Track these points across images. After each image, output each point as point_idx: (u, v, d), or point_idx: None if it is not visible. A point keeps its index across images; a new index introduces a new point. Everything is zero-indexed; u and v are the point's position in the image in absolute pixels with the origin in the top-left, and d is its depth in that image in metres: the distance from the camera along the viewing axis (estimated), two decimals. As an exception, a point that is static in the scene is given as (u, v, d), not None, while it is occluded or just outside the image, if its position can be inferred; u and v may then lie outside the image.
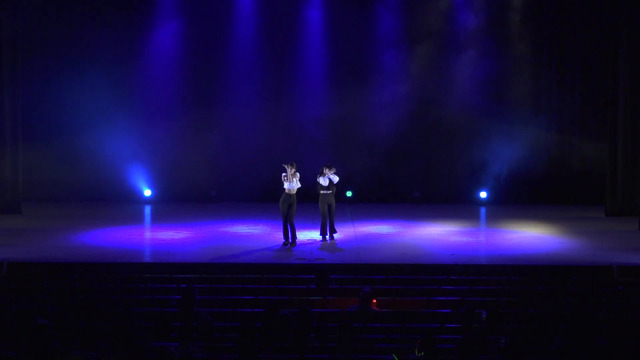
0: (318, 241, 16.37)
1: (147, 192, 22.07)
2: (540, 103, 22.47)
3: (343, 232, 17.48)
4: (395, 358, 8.77)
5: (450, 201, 22.31)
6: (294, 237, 16.02)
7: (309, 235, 16.96)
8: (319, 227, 16.51)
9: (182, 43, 22.32)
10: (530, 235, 17.44)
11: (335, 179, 16.27)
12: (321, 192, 16.25)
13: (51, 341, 9.08)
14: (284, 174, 15.97)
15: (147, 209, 21.16)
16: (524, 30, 22.25)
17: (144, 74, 22.18)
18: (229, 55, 22.36)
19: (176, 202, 21.92)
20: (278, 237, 16.41)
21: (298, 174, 16.02)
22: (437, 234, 17.56)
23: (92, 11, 21.91)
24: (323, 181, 16.12)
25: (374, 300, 11.74)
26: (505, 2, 22.22)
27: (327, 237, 16.41)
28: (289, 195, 15.93)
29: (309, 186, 16.75)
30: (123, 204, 21.48)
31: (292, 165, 15.96)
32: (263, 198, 21.38)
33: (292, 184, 15.93)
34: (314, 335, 10.19)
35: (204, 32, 22.22)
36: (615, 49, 19.87)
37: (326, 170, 16.21)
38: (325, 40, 22.42)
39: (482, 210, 21.50)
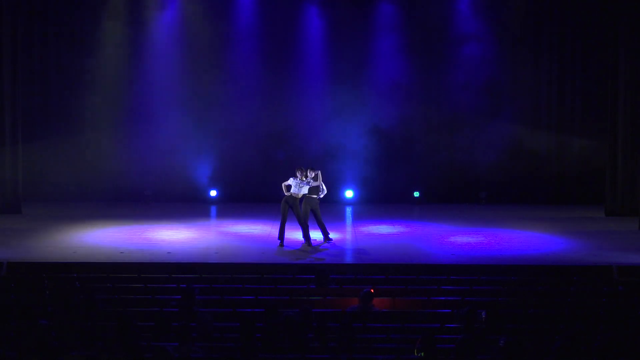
0: (318, 241, 16.33)
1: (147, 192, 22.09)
2: (540, 103, 22.47)
3: (343, 232, 17.48)
4: None
5: (450, 201, 22.32)
6: (307, 237, 15.94)
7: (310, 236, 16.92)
8: (318, 228, 16.46)
9: (183, 43, 22.31)
10: (530, 235, 17.44)
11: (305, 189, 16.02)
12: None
13: (51, 341, 9.09)
14: (293, 181, 15.81)
15: (148, 209, 21.13)
16: (524, 30, 22.24)
17: (144, 74, 22.18)
18: (230, 55, 22.35)
19: (176, 202, 21.90)
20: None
21: (310, 180, 15.84)
22: (437, 234, 17.55)
23: (93, 9, 21.90)
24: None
25: (371, 290, 11.77)
26: (506, 2, 22.21)
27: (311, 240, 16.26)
28: (293, 197, 15.83)
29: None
30: (123, 204, 21.47)
31: (301, 169, 15.85)
32: (263, 198, 21.37)
33: (300, 189, 15.80)
34: (314, 335, 10.20)
35: (205, 30, 22.22)
36: (615, 49, 19.86)
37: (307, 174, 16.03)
38: (325, 41, 22.41)
39: (482, 210, 21.48)
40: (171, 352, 8.66)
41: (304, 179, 15.79)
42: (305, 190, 15.83)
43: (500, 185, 22.36)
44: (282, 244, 15.83)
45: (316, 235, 16.47)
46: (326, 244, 16.12)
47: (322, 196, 16.14)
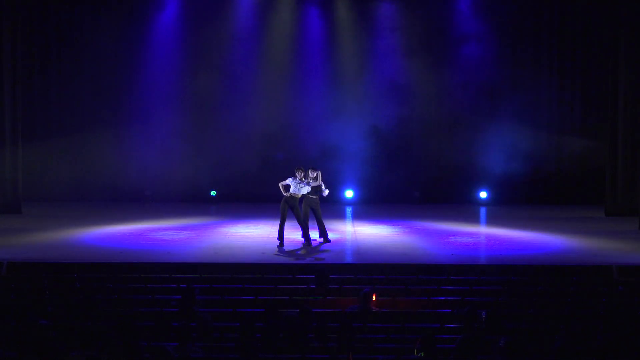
0: (318, 241, 16.31)
1: (147, 192, 22.08)
2: (541, 103, 22.48)
3: (343, 232, 17.48)
4: None
5: (450, 201, 22.32)
6: (307, 236, 15.93)
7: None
8: (317, 228, 16.43)
9: (182, 43, 22.33)
10: (530, 235, 17.43)
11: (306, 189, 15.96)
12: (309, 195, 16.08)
13: (51, 341, 9.08)
14: (292, 181, 15.77)
15: (148, 209, 21.13)
16: (524, 30, 22.25)
17: (144, 73, 22.19)
18: (229, 55, 22.37)
19: (176, 202, 21.90)
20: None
21: (310, 180, 15.80)
22: (437, 234, 17.55)
23: (93, 9, 21.92)
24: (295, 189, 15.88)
25: (374, 296, 11.74)
26: (506, 3, 22.21)
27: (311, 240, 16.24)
28: (293, 198, 15.81)
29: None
30: (123, 204, 21.48)
31: (301, 169, 15.83)
32: (263, 198, 21.37)
33: (300, 189, 15.78)
34: (314, 335, 10.20)
35: (205, 30, 22.23)
36: (615, 49, 19.86)
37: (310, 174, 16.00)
38: (325, 40, 22.43)
39: (482, 210, 21.50)
40: (171, 352, 8.65)
41: (304, 179, 15.78)
42: (305, 190, 15.82)
43: (500, 185, 22.37)
44: (281, 244, 15.81)
45: (315, 235, 16.47)
46: (326, 244, 16.12)
47: (325, 195, 16.10)
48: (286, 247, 15.74)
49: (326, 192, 16.11)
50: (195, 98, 22.42)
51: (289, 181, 15.85)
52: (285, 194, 15.82)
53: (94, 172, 22.05)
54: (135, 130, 22.21)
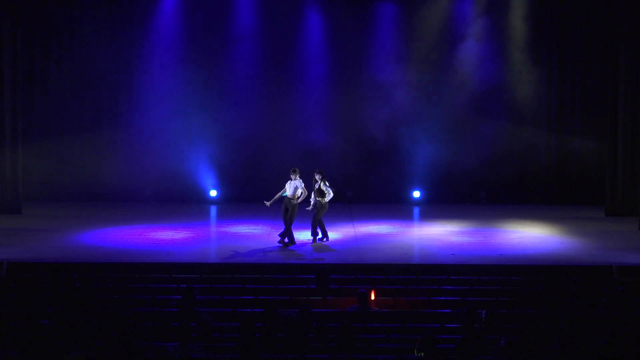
0: (306, 241, 16.33)
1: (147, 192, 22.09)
2: (541, 103, 22.47)
3: (343, 232, 17.49)
4: None
5: (450, 201, 22.31)
6: (290, 236, 15.98)
7: (308, 235, 16.91)
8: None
9: (182, 42, 22.31)
10: (530, 235, 17.44)
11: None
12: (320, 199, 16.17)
13: (51, 341, 9.09)
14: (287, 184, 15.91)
15: (147, 209, 21.13)
16: (524, 30, 22.22)
17: (144, 74, 22.17)
18: (231, 55, 22.34)
19: (176, 202, 21.90)
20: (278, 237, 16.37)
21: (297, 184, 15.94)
22: (437, 234, 17.56)
23: (92, 9, 21.89)
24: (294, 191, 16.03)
25: (373, 292, 11.76)
26: (506, 3, 22.20)
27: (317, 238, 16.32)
28: (289, 199, 15.91)
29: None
30: (123, 204, 21.47)
31: (295, 171, 15.92)
32: (263, 198, 21.34)
33: (292, 191, 15.87)
34: (314, 335, 10.20)
35: (204, 29, 22.22)
36: (616, 49, 19.87)
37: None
38: (326, 40, 22.40)
39: (482, 210, 21.49)
40: (171, 352, 8.66)
41: (298, 177, 15.89)
42: (299, 192, 15.91)
43: (500, 185, 22.37)
44: (285, 245, 15.83)
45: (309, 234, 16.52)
46: (326, 243, 16.15)
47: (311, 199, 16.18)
48: (286, 247, 15.77)
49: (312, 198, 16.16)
50: (196, 99, 22.35)
51: (286, 186, 16.00)
52: (290, 199, 15.91)
53: (93, 172, 21.99)
54: (135, 130, 22.14)
